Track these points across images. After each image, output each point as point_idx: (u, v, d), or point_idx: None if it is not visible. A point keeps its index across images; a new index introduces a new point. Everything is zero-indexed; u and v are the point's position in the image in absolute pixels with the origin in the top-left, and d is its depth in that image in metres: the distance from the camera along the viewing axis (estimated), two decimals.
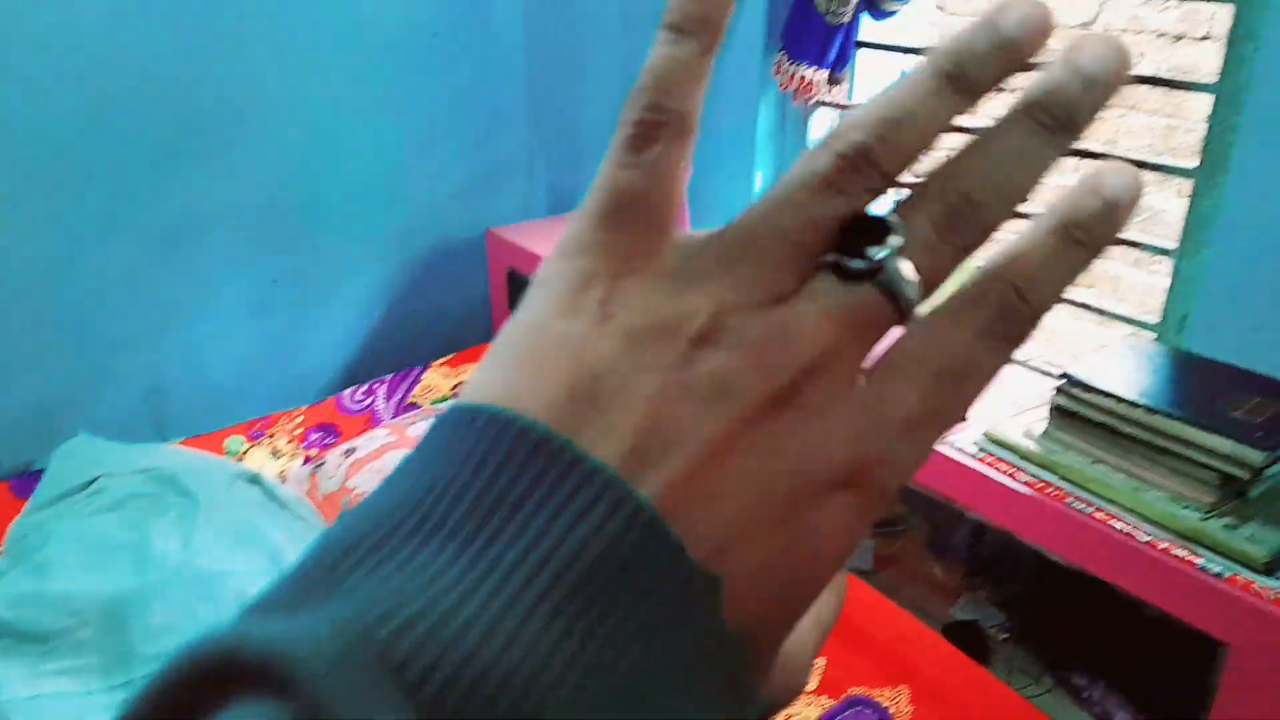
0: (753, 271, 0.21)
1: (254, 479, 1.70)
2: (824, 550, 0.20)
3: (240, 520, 1.48)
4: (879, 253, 0.21)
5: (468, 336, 2.31)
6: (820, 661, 1.31)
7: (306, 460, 1.90)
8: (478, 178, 2.26)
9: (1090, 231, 0.20)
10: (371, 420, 2.01)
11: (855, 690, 1.25)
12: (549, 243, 2.07)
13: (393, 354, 2.24)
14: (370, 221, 2.14)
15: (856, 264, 0.21)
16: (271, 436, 1.92)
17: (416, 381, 2.09)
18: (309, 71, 1.95)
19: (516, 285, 2.15)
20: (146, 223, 1.85)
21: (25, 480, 1.72)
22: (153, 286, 1.90)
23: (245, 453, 1.88)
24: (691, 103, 0.23)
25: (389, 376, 2.09)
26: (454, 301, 2.31)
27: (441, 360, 2.14)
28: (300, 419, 1.97)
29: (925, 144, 0.22)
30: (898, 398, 0.20)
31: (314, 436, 1.95)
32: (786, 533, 0.19)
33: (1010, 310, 0.21)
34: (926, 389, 0.20)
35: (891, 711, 1.22)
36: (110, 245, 1.83)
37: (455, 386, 2.08)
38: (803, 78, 1.74)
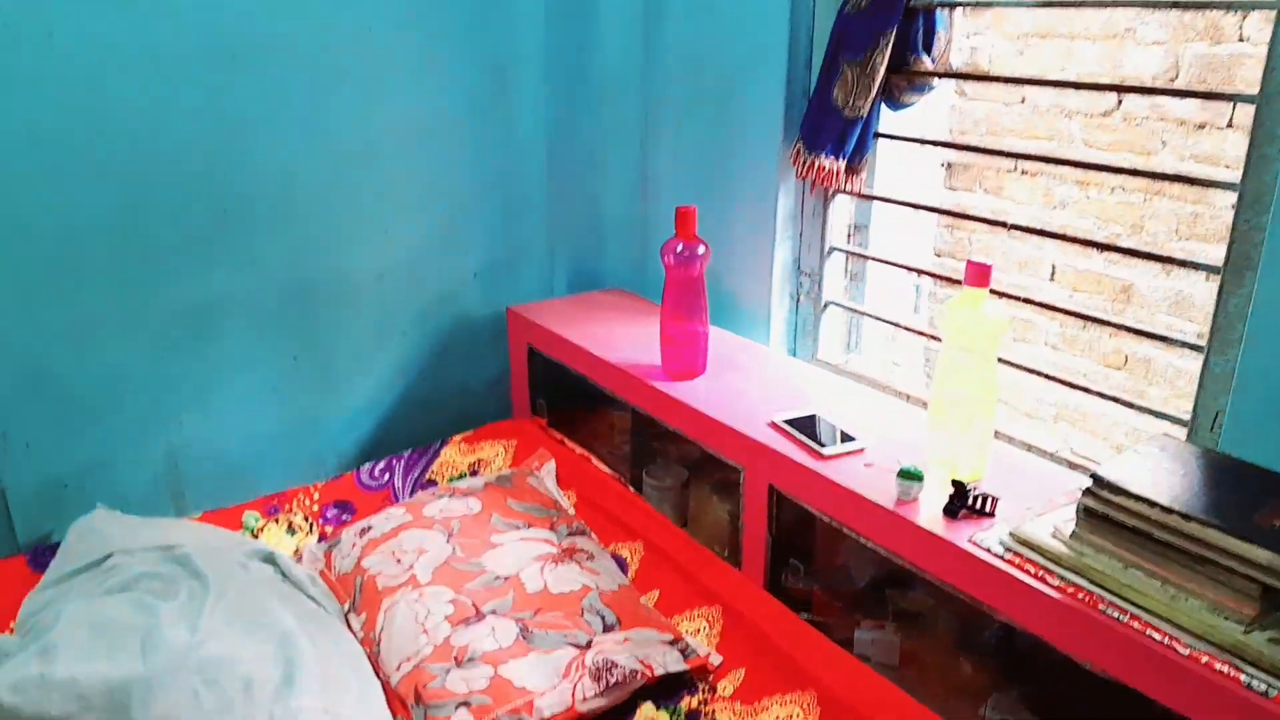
0: None
1: (269, 557, 1.68)
2: None
3: (251, 603, 1.46)
4: None
5: (486, 413, 2.30)
6: None
7: (322, 537, 1.89)
8: (499, 259, 2.28)
9: None
10: (389, 497, 1.99)
11: None
12: (568, 321, 2.09)
13: (411, 430, 2.24)
14: (392, 301, 2.16)
15: None
16: (288, 512, 1.91)
17: (435, 457, 2.08)
18: (334, 156, 1.98)
19: (536, 361, 2.15)
20: (169, 303, 1.87)
21: (42, 553, 1.72)
22: (173, 364, 1.92)
23: (262, 528, 1.86)
24: None
25: (407, 453, 2.08)
26: (473, 378, 2.31)
27: (460, 436, 2.13)
28: (317, 494, 1.96)
29: None
30: None
31: (330, 513, 1.94)
32: None
33: None
34: None
35: None
36: (132, 325, 1.85)
37: (473, 464, 2.07)
38: (821, 167, 1.75)
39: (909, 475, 1.33)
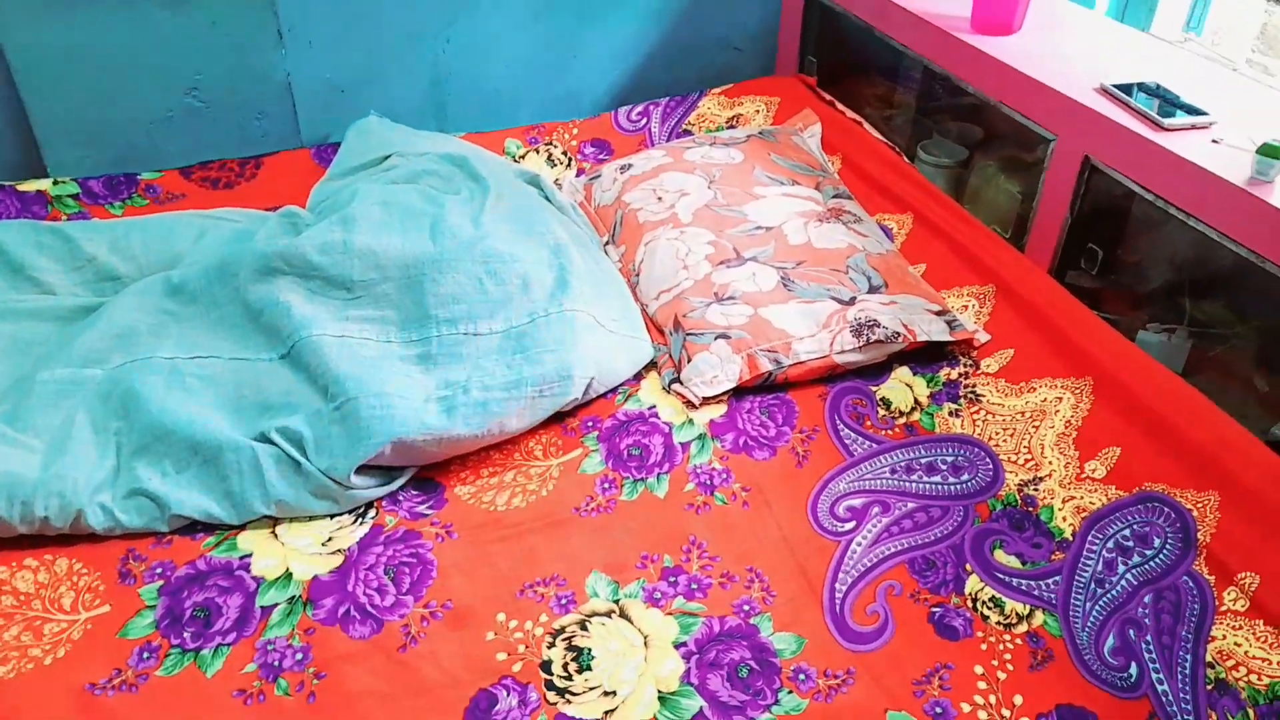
0: None
1: (533, 180, 1.69)
2: None
3: (527, 211, 1.48)
4: None
5: (748, 67, 2.16)
6: (1113, 450, 1.20)
7: (580, 173, 1.88)
8: None
9: None
10: (645, 142, 1.94)
11: (1153, 486, 1.14)
12: None
13: (669, 77, 2.14)
14: None
15: None
16: (548, 144, 1.90)
17: (692, 108, 1.99)
18: None
19: (812, 11, 1.96)
20: None
21: (323, 150, 1.79)
22: None
23: (523, 156, 1.87)
24: None
25: (664, 100, 2.01)
26: (737, 29, 2.15)
27: (719, 89, 2.02)
28: (576, 130, 1.94)
29: None
30: None
31: (589, 150, 1.92)
32: None
33: None
34: None
35: (1195, 516, 1.10)
36: None
37: (731, 118, 1.97)
38: None
39: (1272, 152, 1.14)
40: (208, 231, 1.47)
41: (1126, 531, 1.12)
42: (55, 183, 1.64)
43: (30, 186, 1.62)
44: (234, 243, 1.41)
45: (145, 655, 1.00)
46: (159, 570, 1.08)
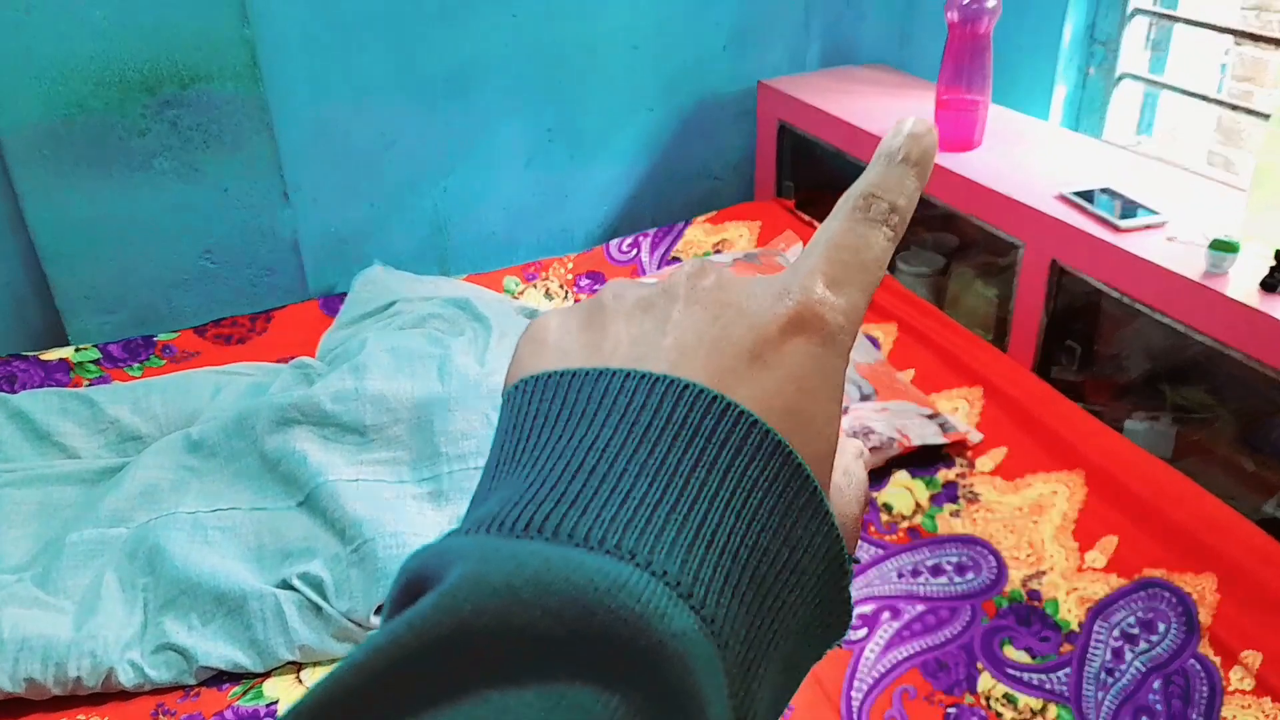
0: None
1: (532, 315, 1.77)
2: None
3: None
4: None
5: (729, 194, 2.28)
6: (1111, 539, 1.24)
7: (577, 303, 1.96)
8: (750, 29, 2.18)
9: (909, 158, 0.28)
10: (637, 271, 2.04)
11: (1151, 573, 1.17)
12: (825, 95, 2.00)
13: (655, 208, 2.25)
14: (640, 72, 2.13)
15: None
16: (545, 279, 1.99)
17: (679, 237, 2.09)
18: None
19: (786, 139, 2.08)
20: (430, 70, 1.93)
21: (330, 300, 1.88)
22: (436, 131, 1.99)
23: (522, 293, 1.96)
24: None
25: (652, 231, 2.11)
26: (716, 160, 2.28)
27: (704, 217, 2.12)
28: (571, 264, 2.03)
29: None
30: (809, 266, 0.27)
31: (584, 282, 2.01)
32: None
33: (885, 210, 0.27)
34: (831, 257, 0.27)
35: (1195, 599, 1.13)
36: (398, 90, 1.92)
37: (717, 244, 2.07)
38: None
39: (1224, 246, 1.22)
40: (223, 386, 1.54)
41: (1131, 619, 1.14)
42: (76, 350, 1.71)
43: (52, 355, 1.70)
44: (249, 396, 1.48)
45: None
46: None
